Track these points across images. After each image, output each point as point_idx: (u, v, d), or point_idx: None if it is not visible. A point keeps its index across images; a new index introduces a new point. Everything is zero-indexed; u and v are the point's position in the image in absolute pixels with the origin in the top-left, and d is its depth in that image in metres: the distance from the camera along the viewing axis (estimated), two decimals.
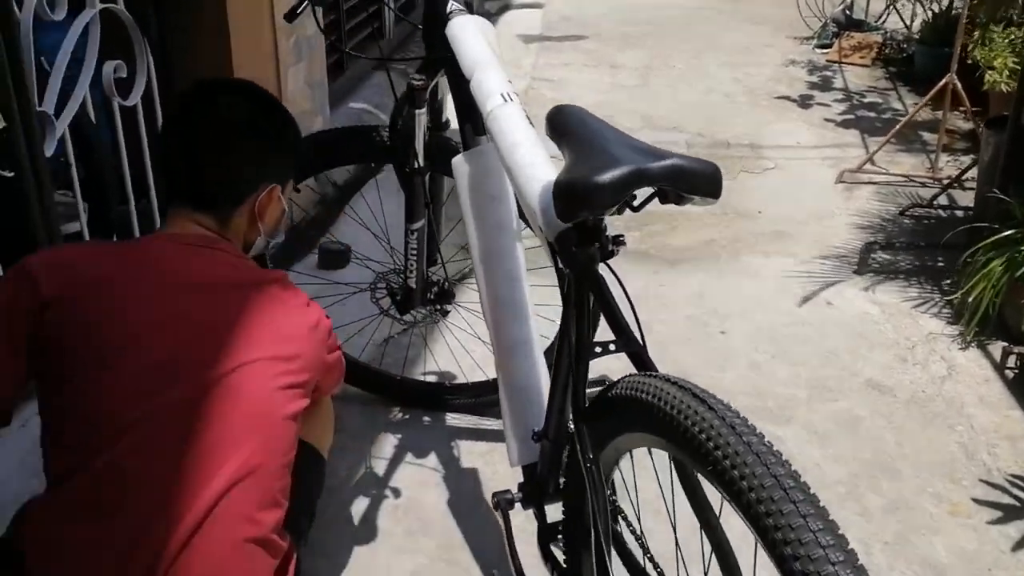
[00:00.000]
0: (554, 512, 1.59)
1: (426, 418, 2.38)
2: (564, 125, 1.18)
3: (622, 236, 1.21)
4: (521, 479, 1.61)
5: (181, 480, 1.14)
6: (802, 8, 5.87)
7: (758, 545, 0.94)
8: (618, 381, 1.15)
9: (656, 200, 1.13)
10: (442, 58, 1.66)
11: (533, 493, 1.54)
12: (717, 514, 1.13)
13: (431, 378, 2.47)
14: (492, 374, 2.36)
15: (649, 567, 1.37)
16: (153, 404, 1.16)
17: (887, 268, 3.18)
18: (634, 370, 1.20)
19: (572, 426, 1.30)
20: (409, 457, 2.25)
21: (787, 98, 4.82)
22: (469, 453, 2.26)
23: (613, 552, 1.44)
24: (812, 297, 2.99)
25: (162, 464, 1.15)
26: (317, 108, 3.52)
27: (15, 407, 1.30)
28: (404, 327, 2.35)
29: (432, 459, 2.24)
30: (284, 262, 3.00)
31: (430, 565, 1.91)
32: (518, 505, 1.58)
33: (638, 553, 1.41)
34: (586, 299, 1.22)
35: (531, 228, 1.36)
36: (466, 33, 1.55)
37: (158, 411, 1.16)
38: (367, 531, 2.03)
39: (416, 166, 1.85)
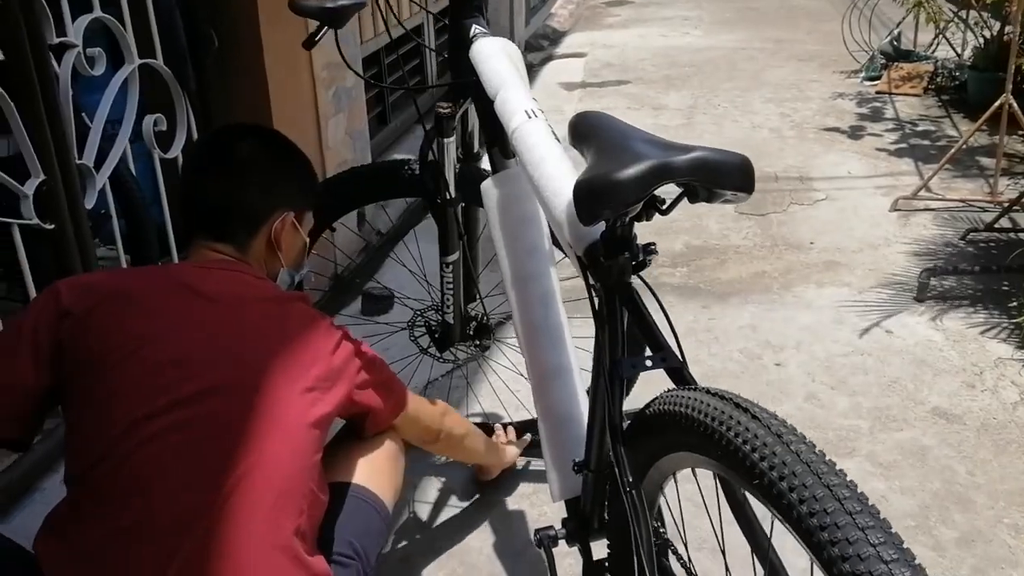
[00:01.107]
0: (599, 549, 1.51)
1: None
2: (586, 129, 1.13)
3: (653, 244, 1.14)
4: (565, 515, 1.54)
5: (192, 478, 1.12)
6: (848, 43, 5.80)
7: (813, 565, 0.86)
8: (655, 399, 1.08)
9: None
10: (468, 83, 1.63)
11: (577, 529, 1.46)
12: (768, 535, 1.04)
13: (475, 419, 2.41)
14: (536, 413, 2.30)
15: None
16: (162, 402, 1.15)
17: (949, 294, 3.05)
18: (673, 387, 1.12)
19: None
20: (453, 500, 2.18)
21: (836, 130, 4.73)
22: (515, 496, 2.18)
23: None
24: (871, 327, 2.88)
25: (174, 462, 1.13)
26: (359, 158, 3.54)
27: (38, 429, 1.29)
28: (448, 369, 2.30)
29: (477, 502, 2.17)
30: (329, 310, 2.98)
31: None
32: (562, 543, 1.50)
33: None
34: (619, 313, 1.16)
35: (561, 248, 1.30)
36: (489, 54, 1.52)
37: (169, 409, 1.15)
38: None
39: (447, 197, 1.82)
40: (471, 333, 2.06)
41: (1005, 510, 2.06)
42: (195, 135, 2.64)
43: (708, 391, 1.00)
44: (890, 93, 5.25)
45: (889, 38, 5.67)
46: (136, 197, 2.53)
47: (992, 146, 4.24)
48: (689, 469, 1.10)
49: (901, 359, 2.68)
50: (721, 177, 0.99)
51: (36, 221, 2.06)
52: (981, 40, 5.00)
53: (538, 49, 6.53)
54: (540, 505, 2.14)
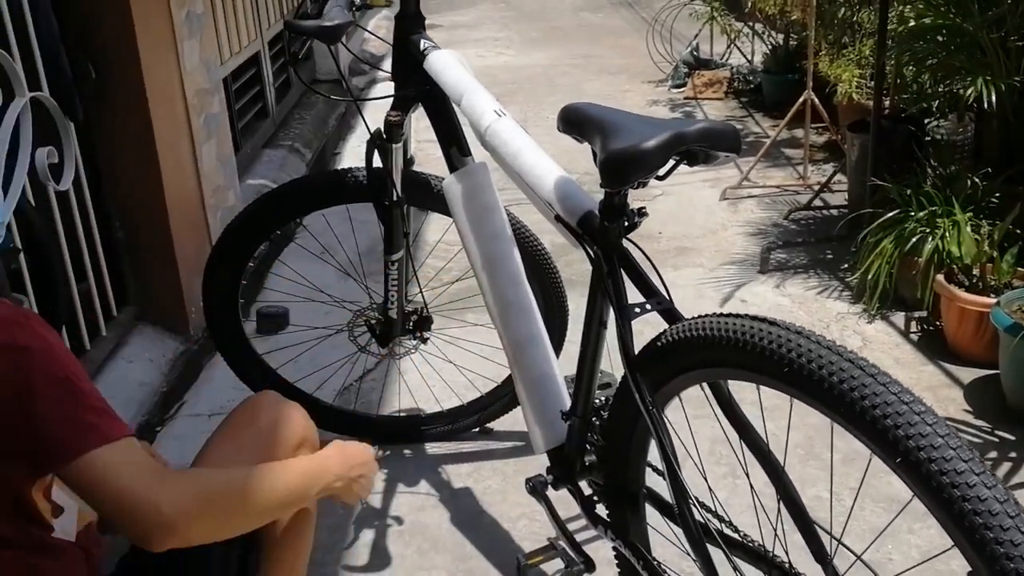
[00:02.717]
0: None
1: (407, 451, 2.45)
2: (580, 115, 1.35)
3: (644, 207, 1.38)
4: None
5: None
6: (652, 54, 6.32)
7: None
8: (665, 330, 1.31)
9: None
10: (418, 93, 1.81)
11: (565, 472, 1.66)
12: (766, 436, 1.30)
13: (403, 412, 2.56)
14: (466, 398, 2.48)
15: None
16: None
17: (786, 265, 3.49)
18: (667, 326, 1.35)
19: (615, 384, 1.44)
20: (401, 487, 2.32)
21: None
22: (457, 475, 2.36)
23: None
24: (728, 298, 3.25)
25: None
26: (228, 183, 3.58)
27: None
28: (375, 364, 2.43)
29: (423, 486, 2.32)
30: None
31: None
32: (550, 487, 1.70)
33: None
34: (618, 268, 1.38)
35: (551, 222, 1.50)
36: (447, 64, 1.71)
37: None
38: (380, 558, 2.09)
39: (395, 198, 1.98)
40: (410, 327, 2.22)
41: None
42: (81, 167, 2.64)
43: (718, 314, 1.24)
44: (696, 98, 5.80)
45: (689, 49, 6.25)
46: (40, 231, 2.50)
47: (792, 139, 4.81)
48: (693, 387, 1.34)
49: None
50: (722, 141, 1.24)
51: None
52: (769, 47, 5.63)
53: (360, 73, 6.67)
54: (483, 480, 2.32)
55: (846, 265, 3.39)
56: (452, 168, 1.79)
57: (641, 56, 6.50)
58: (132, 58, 2.73)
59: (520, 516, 2.18)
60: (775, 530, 1.28)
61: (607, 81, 6.39)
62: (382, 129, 1.90)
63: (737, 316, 1.18)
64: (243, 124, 4.40)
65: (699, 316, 1.24)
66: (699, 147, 1.23)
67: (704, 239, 3.80)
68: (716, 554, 1.37)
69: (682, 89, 5.96)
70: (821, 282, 3.33)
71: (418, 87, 1.79)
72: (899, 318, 3.00)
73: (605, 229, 1.36)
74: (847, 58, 4.25)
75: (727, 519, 1.44)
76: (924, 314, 2.94)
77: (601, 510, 1.60)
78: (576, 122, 1.35)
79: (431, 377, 2.58)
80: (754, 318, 1.16)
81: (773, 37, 5.72)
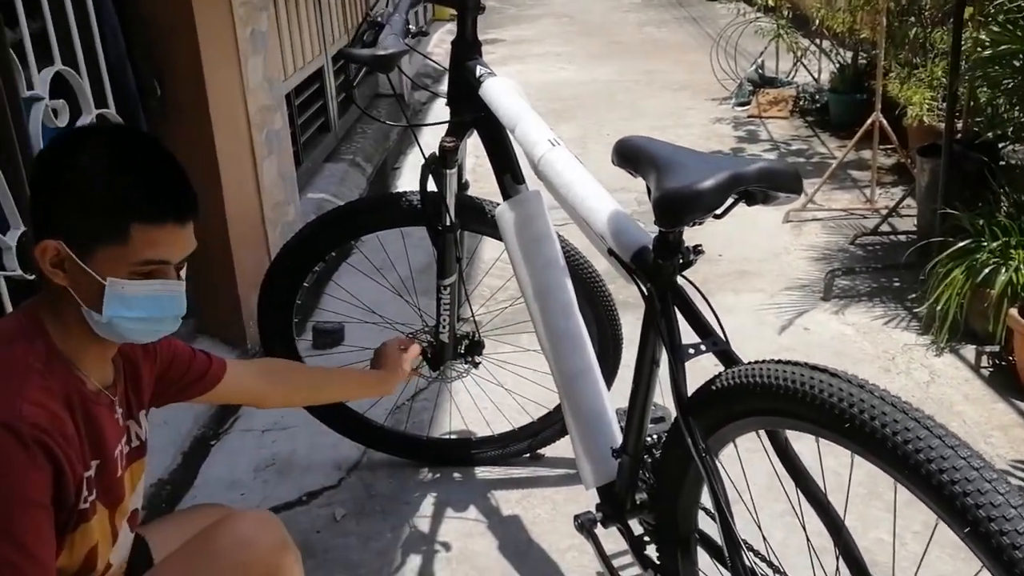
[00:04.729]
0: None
1: (456, 475, 2.43)
2: (635, 151, 1.32)
3: (700, 245, 1.34)
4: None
5: None
6: (717, 72, 6.24)
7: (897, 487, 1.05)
8: (720, 374, 1.26)
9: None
10: (473, 120, 1.79)
11: (615, 510, 1.62)
12: (823, 486, 1.24)
13: (456, 435, 2.54)
14: (517, 423, 2.45)
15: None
16: None
17: (849, 292, 3.39)
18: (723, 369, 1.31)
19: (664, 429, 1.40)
20: (449, 512, 2.30)
21: (719, 152, 5.11)
22: (506, 501, 2.32)
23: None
24: (788, 325, 3.17)
25: None
26: (289, 198, 3.61)
27: None
28: (427, 384, 2.42)
29: (472, 511, 2.30)
30: None
31: None
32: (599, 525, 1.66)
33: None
34: (671, 307, 1.34)
35: (602, 253, 1.47)
36: (503, 91, 1.69)
37: None
38: None
39: (448, 223, 1.97)
40: (462, 352, 2.20)
41: None
42: None
43: (776, 361, 1.19)
44: (760, 117, 5.70)
45: (754, 66, 6.16)
46: None
47: (859, 160, 4.69)
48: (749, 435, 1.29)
49: (822, 351, 2.97)
50: (782, 183, 1.20)
51: (19, 272, 2.08)
52: (836, 66, 5.52)
53: (423, 88, 6.70)
54: (532, 508, 2.29)
55: (914, 294, 3.28)
56: (506, 196, 1.77)
57: (705, 72, 6.43)
58: (196, 75, 2.77)
59: (569, 548, 2.14)
60: None
61: (669, 97, 6.33)
62: (437, 154, 1.89)
63: (796, 364, 1.13)
64: (305, 138, 4.45)
65: (756, 362, 1.19)
66: (758, 187, 1.18)
67: (766, 263, 3.72)
68: None
69: (746, 107, 5.87)
70: (887, 311, 3.23)
71: (473, 114, 1.78)
72: (969, 352, 2.89)
73: (659, 267, 1.32)
74: (918, 79, 4.13)
75: (782, 569, 1.38)
76: (996, 349, 2.82)
77: (651, 551, 1.56)
78: (631, 157, 1.32)
79: (482, 400, 2.56)
80: (815, 367, 1.11)
81: (841, 55, 5.60)
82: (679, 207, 1.19)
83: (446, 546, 2.18)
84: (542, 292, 1.69)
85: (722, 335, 1.33)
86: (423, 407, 2.69)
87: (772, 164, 1.21)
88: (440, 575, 2.09)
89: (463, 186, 2.04)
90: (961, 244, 2.89)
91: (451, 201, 1.95)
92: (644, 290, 1.38)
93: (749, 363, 1.21)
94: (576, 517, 1.66)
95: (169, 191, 1.23)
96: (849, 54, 5.50)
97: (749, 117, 5.74)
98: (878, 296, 3.34)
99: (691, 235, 3.57)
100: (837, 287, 3.43)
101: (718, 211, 1.23)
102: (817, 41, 5.84)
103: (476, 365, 2.22)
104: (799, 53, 5.93)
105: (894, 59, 4.47)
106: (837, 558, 1.20)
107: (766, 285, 3.50)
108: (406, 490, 2.38)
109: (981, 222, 2.89)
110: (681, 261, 1.33)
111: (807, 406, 1.08)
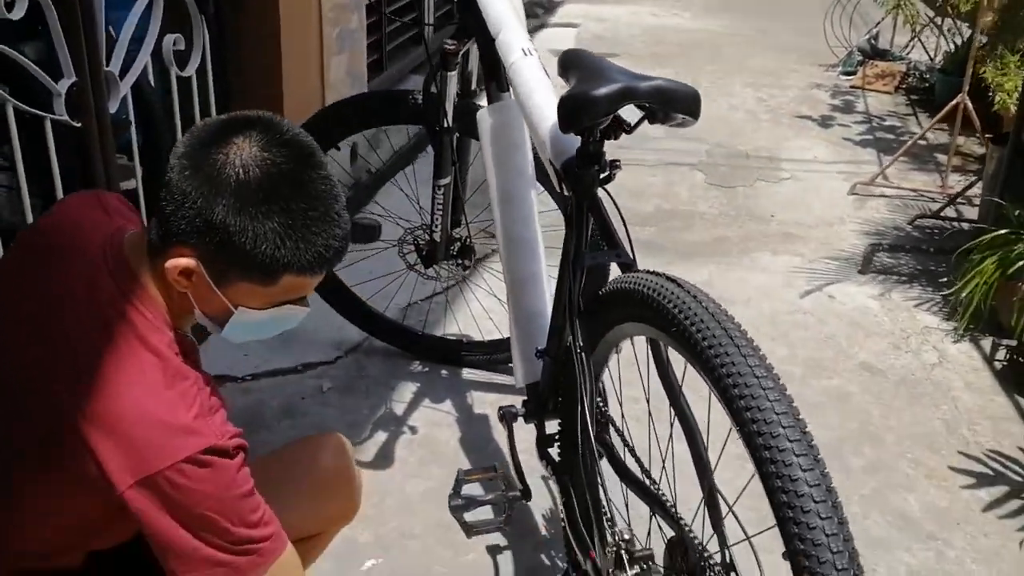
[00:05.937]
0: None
1: (444, 372, 2.56)
2: (571, 61, 1.37)
3: (618, 160, 1.39)
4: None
5: None
6: (828, 38, 6.05)
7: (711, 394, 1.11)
8: (611, 281, 1.33)
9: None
10: (472, 25, 1.86)
11: (535, 409, 1.71)
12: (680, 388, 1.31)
13: (450, 336, 2.66)
14: (508, 333, 2.55)
15: (633, 462, 1.53)
16: None
17: (890, 270, 3.33)
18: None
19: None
20: (426, 402, 2.43)
21: (808, 117, 4.99)
22: (481, 402, 2.44)
23: (603, 459, 1.61)
24: (815, 291, 3.15)
25: None
26: None
27: None
28: (428, 294, 2.54)
29: (447, 405, 2.42)
30: None
31: (439, 488, 2.08)
32: (521, 420, 1.75)
33: (627, 459, 1.58)
34: (585, 216, 1.41)
35: (544, 164, 1.54)
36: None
37: None
38: (384, 458, 2.21)
39: (445, 125, 2.05)
40: (454, 253, 2.31)
41: (910, 448, 2.35)
42: (208, 57, 2.84)
43: (655, 272, 1.25)
44: (863, 88, 5.52)
45: (868, 36, 5.94)
46: (155, 109, 2.73)
47: (948, 145, 4.52)
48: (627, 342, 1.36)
49: (838, 320, 2.95)
50: (675, 102, 1.24)
51: (66, 118, 2.27)
52: (952, 46, 5.28)
53: (532, 16, 6.73)
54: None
55: (947, 279, 3.21)
56: (490, 102, 1.84)
57: (817, 37, 6.22)
58: None
59: (526, 449, 2.25)
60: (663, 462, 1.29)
61: (775, 57, 6.18)
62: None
63: (659, 275, 1.19)
64: (393, 46, 4.56)
65: (633, 271, 1.26)
66: (652, 104, 1.23)
67: (815, 229, 3.67)
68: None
69: (851, 77, 5.68)
70: (922, 294, 3.17)
71: (472, 20, 1.84)
72: (988, 343, 2.82)
73: (578, 175, 1.38)
74: (1016, 65, 3.94)
75: (646, 468, 1.46)
76: (1014, 343, 2.76)
77: (554, 452, 1.65)
78: (565, 66, 1.38)
79: (495, 311, 2.65)
80: (670, 279, 1.17)
81: (961, 35, 5.34)
82: (571, 111, 1.25)
83: (413, 430, 2.32)
84: (507, 198, 1.77)
85: (630, 252, 1.39)
86: (436, 308, 2.81)
87: (668, 83, 1.24)
88: (399, 452, 2.23)
89: (471, 93, 2.12)
90: (999, 232, 2.81)
91: (450, 104, 2.03)
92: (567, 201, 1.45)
93: (627, 273, 1.27)
94: (500, 408, 1.76)
95: (334, 255, 1.13)
96: (968, 34, 5.25)
97: (852, 87, 5.56)
98: (918, 279, 3.27)
99: (754, 192, 3.65)
100: (879, 263, 3.37)
101: (628, 125, 1.28)
102: (938, 20, 5.58)
103: (466, 269, 2.32)
104: (917, 28, 5.68)
105: (1010, 45, 4.26)
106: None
107: (807, 251, 3.47)
108: (394, 377, 2.52)
109: (1018, 212, 2.80)
110: (602, 175, 1.38)
111: (652, 311, 1.14)
